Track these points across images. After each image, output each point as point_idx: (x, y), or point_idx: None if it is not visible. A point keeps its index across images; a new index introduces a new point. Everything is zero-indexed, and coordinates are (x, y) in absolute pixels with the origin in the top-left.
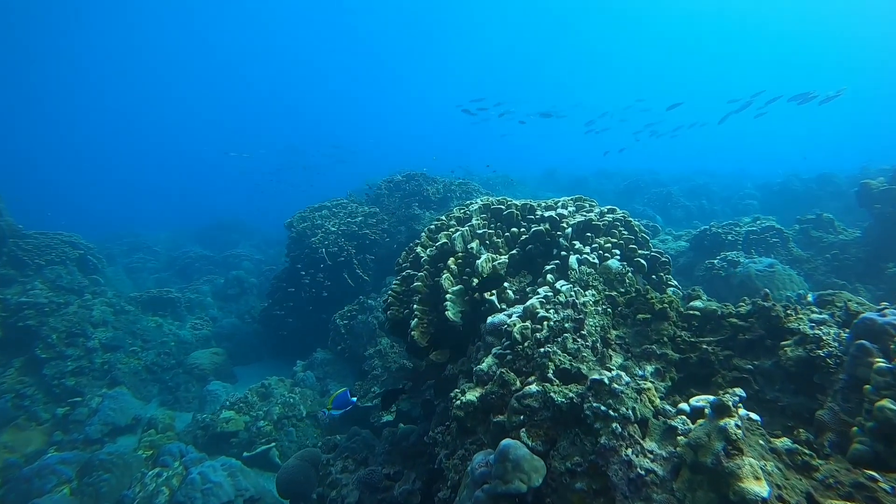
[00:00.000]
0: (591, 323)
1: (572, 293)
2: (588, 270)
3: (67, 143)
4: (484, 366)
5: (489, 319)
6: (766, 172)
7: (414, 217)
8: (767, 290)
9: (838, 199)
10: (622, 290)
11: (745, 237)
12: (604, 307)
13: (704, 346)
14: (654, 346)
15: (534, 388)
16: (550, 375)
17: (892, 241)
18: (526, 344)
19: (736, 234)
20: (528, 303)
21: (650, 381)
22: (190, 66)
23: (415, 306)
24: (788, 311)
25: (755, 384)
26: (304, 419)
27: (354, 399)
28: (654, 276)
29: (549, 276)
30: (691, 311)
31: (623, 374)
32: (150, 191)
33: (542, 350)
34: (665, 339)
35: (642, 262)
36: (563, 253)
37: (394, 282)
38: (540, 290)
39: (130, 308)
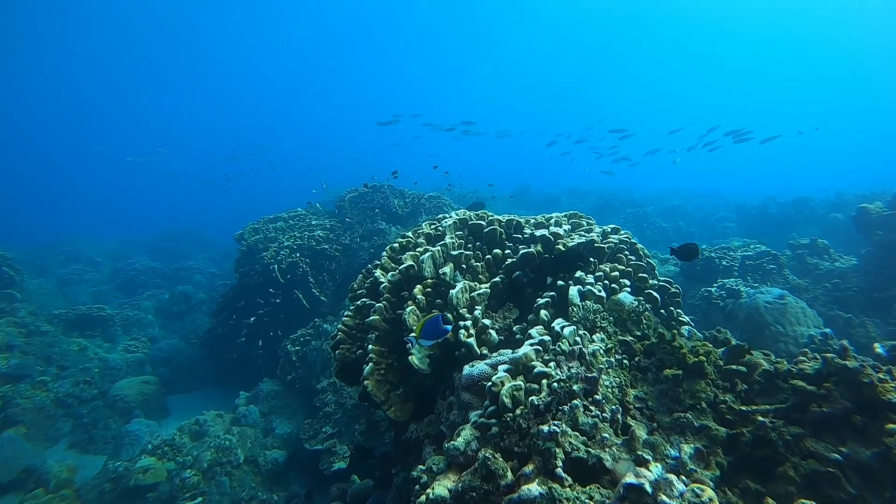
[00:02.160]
0: (607, 383)
1: (577, 339)
2: (594, 307)
3: (4, 143)
4: (460, 442)
5: (466, 370)
6: (740, 194)
7: (379, 232)
8: (846, 343)
9: (815, 223)
10: (638, 333)
11: (740, 263)
12: (617, 357)
13: (760, 418)
14: (688, 415)
15: (535, 489)
16: (559, 471)
17: (894, 270)
18: (518, 412)
19: (731, 260)
20: (519, 352)
21: (706, 482)
22: (146, 64)
23: (370, 346)
24: (882, 375)
25: (849, 484)
26: (240, 465)
27: (449, 328)
28: (662, 311)
29: (542, 313)
30: (733, 367)
31: (674, 478)
32: (99, 196)
33: (545, 429)
34: (703, 404)
35: (654, 294)
36: (560, 283)
37: (345, 313)
38: (533, 332)
39: (49, 328)
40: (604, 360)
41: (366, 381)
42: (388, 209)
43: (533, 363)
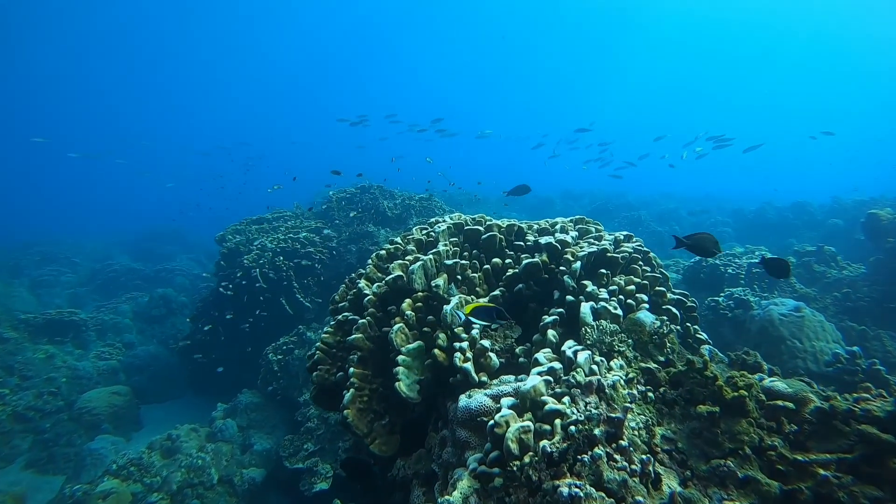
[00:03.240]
0: (633, 423)
1: (594, 367)
2: (611, 327)
3: None
4: (456, 497)
5: (462, 402)
6: (735, 198)
7: (367, 235)
8: None
9: (814, 229)
10: (662, 358)
11: (747, 270)
12: (640, 389)
13: (821, 472)
14: (729, 463)
15: None
16: None
17: None
18: (527, 461)
19: (737, 267)
20: (526, 384)
21: None
22: (125, 56)
23: (351, 369)
24: None
25: None
26: (214, 487)
27: (502, 323)
28: (678, 328)
29: (550, 333)
30: (779, 402)
31: None
32: (85, 194)
33: (564, 492)
34: (746, 449)
35: (674, 310)
36: (570, 297)
37: (325, 329)
38: (540, 357)
39: (12, 335)
40: (625, 392)
41: (346, 411)
42: (378, 211)
43: (543, 398)
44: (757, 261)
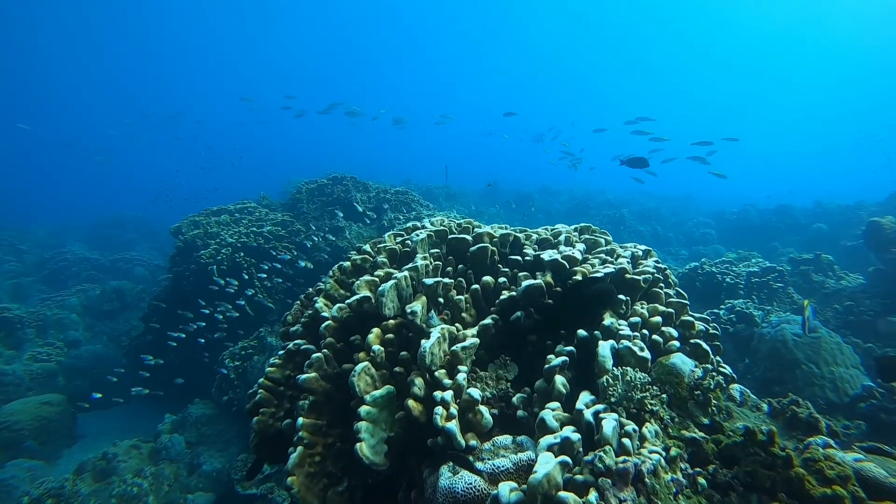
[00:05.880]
0: None
1: (625, 441)
2: (639, 377)
3: None
4: None
5: (445, 478)
6: (715, 199)
7: (337, 230)
8: None
9: (798, 232)
10: (706, 421)
11: (746, 280)
12: (685, 470)
13: None
14: None
15: None
16: None
17: None
18: None
19: (735, 276)
20: (537, 474)
21: None
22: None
23: (301, 420)
24: None
25: None
26: None
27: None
28: (720, 378)
29: (558, 381)
30: None
31: None
32: (38, 173)
33: None
34: None
35: (704, 346)
36: (583, 333)
37: (272, 360)
38: (548, 418)
39: None
40: (668, 478)
41: (291, 478)
42: (349, 204)
43: (562, 495)
44: (756, 269)
